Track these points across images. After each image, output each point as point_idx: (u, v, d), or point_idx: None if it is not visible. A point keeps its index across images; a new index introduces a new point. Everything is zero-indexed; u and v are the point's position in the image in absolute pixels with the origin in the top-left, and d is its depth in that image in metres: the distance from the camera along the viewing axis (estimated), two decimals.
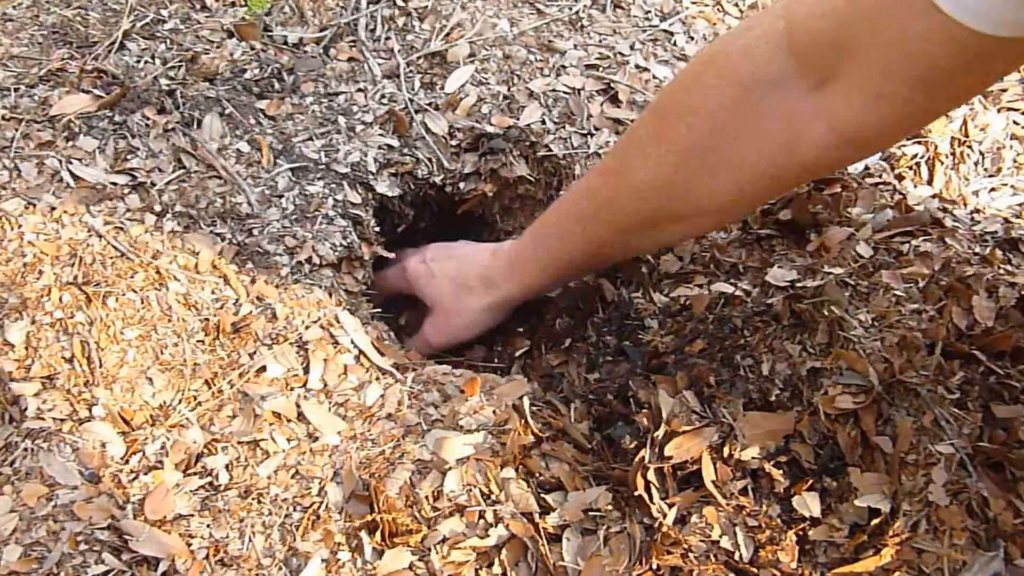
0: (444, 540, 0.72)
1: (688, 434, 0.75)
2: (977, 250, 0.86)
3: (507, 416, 0.80)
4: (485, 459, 0.77)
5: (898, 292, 0.81)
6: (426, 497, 0.74)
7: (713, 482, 0.72)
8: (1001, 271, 0.82)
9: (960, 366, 0.75)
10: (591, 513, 0.73)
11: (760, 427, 0.75)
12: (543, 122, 1.10)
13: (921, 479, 0.70)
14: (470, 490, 0.75)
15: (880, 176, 1.00)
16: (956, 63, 0.58)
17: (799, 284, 0.84)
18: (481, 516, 0.73)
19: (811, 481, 0.73)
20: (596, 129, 1.10)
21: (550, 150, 1.09)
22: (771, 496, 0.73)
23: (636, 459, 0.75)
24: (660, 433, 0.76)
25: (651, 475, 0.74)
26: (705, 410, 0.77)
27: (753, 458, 0.73)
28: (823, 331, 0.79)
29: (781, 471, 0.73)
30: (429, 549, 0.71)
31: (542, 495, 0.75)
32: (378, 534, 0.72)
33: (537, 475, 0.77)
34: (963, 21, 0.55)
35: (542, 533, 0.71)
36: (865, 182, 0.98)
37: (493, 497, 0.75)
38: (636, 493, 0.73)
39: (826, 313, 0.80)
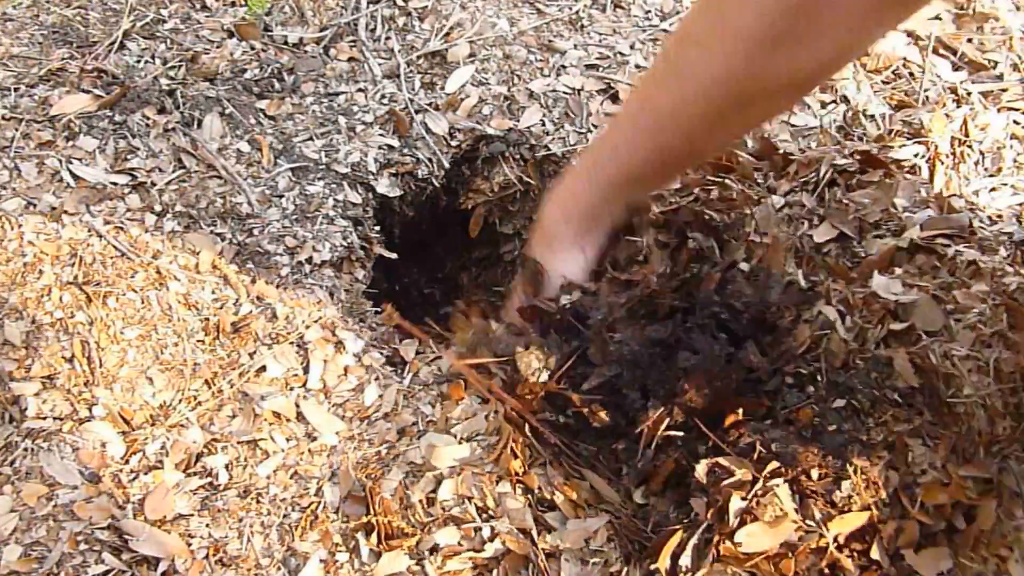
0: (438, 548, 0.71)
1: (770, 526, 0.66)
2: (1004, 253, 0.83)
3: (499, 424, 0.79)
4: (480, 472, 0.75)
5: (975, 312, 0.74)
6: (419, 501, 0.74)
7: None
8: None
9: None
10: (591, 547, 0.71)
11: (849, 526, 0.67)
12: (543, 123, 1.10)
13: (993, 565, 0.63)
14: (463, 502, 0.74)
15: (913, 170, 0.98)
16: None
17: (903, 298, 0.76)
18: (477, 531, 0.72)
19: (879, 573, 0.66)
20: (595, 127, 1.10)
21: (549, 150, 1.09)
22: None
23: (673, 537, 0.67)
24: (734, 522, 0.67)
25: (685, 557, 0.67)
26: (798, 506, 0.67)
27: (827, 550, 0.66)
28: (933, 406, 0.71)
29: (851, 559, 0.65)
30: (425, 554, 0.71)
31: (541, 512, 0.74)
32: (374, 536, 0.72)
33: (536, 490, 0.75)
34: None
35: (540, 552, 0.70)
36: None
37: (489, 512, 0.73)
38: (653, 567, 0.67)
39: (934, 361, 0.71)
